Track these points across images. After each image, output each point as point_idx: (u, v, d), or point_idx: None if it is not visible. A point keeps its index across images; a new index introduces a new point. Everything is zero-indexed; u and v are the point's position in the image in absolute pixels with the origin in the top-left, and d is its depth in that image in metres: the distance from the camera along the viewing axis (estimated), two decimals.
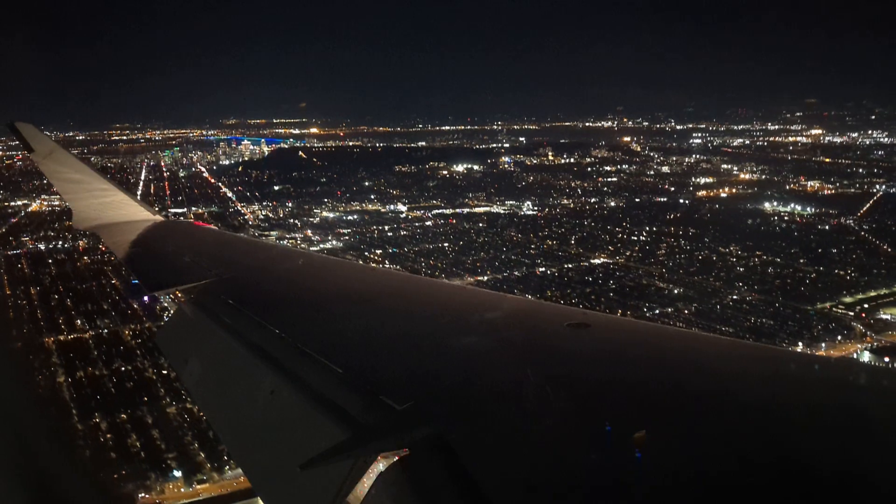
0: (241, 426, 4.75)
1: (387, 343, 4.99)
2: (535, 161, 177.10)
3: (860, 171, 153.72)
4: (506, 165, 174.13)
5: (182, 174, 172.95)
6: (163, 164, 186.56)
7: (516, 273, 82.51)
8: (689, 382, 3.90)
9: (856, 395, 3.66)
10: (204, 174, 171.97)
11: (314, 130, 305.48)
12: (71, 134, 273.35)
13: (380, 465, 3.25)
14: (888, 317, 64.72)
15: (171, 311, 7.13)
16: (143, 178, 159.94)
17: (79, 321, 64.17)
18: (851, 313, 66.10)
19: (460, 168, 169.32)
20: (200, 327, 6.01)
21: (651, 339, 4.96)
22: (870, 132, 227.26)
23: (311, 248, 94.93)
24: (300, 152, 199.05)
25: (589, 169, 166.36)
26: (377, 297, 6.38)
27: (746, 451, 3.08)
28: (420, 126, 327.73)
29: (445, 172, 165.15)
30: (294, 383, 4.31)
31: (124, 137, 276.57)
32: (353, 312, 5.82)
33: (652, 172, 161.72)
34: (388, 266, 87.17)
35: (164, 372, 53.77)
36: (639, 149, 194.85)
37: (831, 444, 3.11)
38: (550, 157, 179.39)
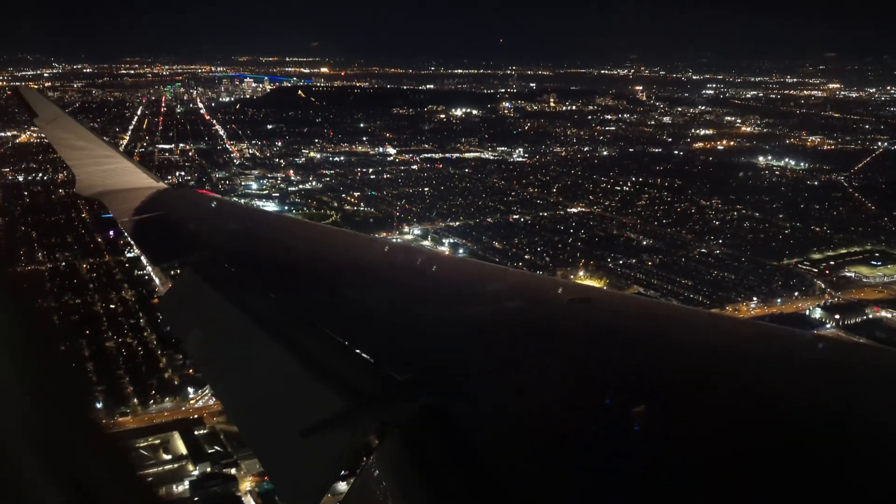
0: (243, 393, 4.76)
1: (389, 314, 4.99)
2: (536, 107, 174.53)
3: (866, 126, 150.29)
4: (506, 111, 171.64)
5: (179, 110, 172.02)
6: (163, 99, 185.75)
7: (489, 220, 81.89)
8: (688, 358, 3.91)
9: (860, 378, 3.63)
10: (201, 111, 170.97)
11: (324, 70, 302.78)
12: (79, 66, 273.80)
13: (380, 434, 3.29)
14: (852, 274, 63.80)
15: (175, 279, 7.10)
16: (139, 112, 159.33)
17: (40, 254, 64.57)
18: (815, 270, 65.17)
19: (459, 112, 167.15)
20: (203, 295, 6.02)
21: (652, 315, 4.99)
22: (888, 88, 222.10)
23: (289, 189, 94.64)
24: (300, 91, 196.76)
25: (589, 117, 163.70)
26: (381, 269, 6.39)
27: (746, 428, 3.07)
28: (432, 69, 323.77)
29: (443, 116, 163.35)
30: (297, 352, 4.38)
31: (132, 71, 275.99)
32: (357, 283, 5.79)
33: (653, 122, 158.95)
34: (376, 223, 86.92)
35: (112, 306, 54.29)
36: (644, 98, 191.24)
37: (832, 424, 3.09)
38: (552, 104, 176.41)
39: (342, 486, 3.30)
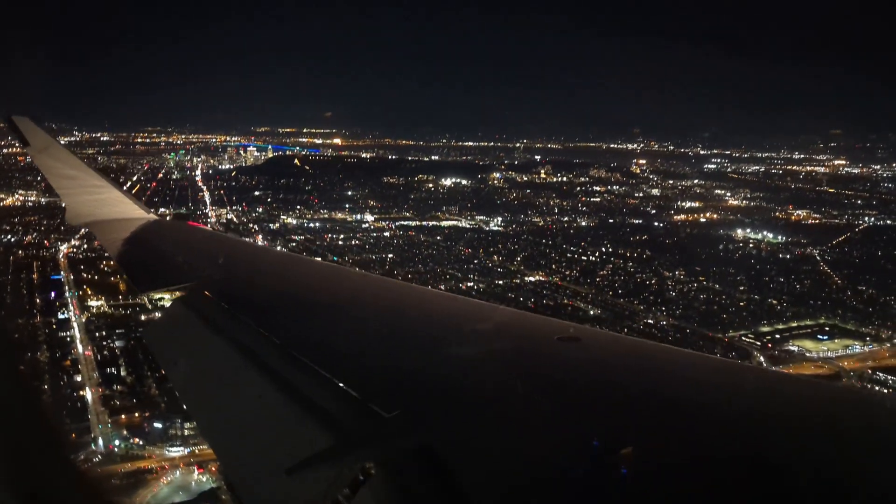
0: (227, 429, 4.69)
1: (376, 350, 4.95)
2: (525, 178, 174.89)
3: (858, 202, 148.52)
4: (495, 181, 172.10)
5: (176, 176, 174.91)
6: (164, 166, 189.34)
7: (441, 287, 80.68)
8: (678, 399, 3.83)
9: (848, 416, 3.57)
10: (196, 177, 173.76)
11: (337, 141, 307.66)
12: (98, 134, 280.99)
13: (366, 472, 3.20)
14: (795, 348, 61.78)
15: (162, 311, 7.16)
16: (134, 178, 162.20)
17: None
18: (759, 343, 63.05)
19: (448, 182, 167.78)
20: (189, 328, 6.01)
21: (641, 355, 4.92)
22: (893, 165, 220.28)
23: None
24: (296, 160, 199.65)
25: (578, 189, 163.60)
26: (369, 304, 6.40)
27: (735, 469, 3.03)
28: (444, 140, 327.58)
29: (431, 186, 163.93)
30: (282, 388, 4.32)
31: (147, 140, 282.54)
32: (344, 318, 5.81)
33: (640, 194, 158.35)
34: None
35: (21, 367, 53.44)
36: (638, 171, 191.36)
37: (819, 461, 3.07)
38: (543, 176, 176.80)
39: None
